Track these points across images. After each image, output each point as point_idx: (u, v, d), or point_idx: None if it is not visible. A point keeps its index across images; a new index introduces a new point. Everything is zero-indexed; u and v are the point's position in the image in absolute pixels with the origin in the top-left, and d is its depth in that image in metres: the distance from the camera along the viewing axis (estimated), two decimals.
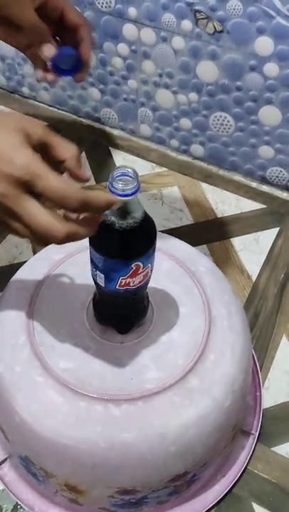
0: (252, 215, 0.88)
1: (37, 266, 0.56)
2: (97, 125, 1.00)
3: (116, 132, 0.99)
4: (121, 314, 0.48)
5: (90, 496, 0.51)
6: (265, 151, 0.86)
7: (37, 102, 1.04)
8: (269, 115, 0.81)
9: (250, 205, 0.89)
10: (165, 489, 0.51)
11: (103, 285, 0.43)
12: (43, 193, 0.35)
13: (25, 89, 1.04)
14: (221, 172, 0.93)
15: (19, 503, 0.57)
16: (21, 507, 0.57)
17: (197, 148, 0.92)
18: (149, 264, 0.43)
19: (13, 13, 0.50)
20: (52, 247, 0.59)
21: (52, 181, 0.35)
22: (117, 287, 0.43)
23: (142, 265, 0.41)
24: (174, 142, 0.94)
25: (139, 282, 0.43)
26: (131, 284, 0.43)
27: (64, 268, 0.55)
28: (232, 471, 0.60)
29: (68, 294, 0.53)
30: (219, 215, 0.88)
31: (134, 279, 0.42)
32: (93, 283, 0.48)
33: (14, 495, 0.57)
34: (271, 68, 0.75)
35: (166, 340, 0.50)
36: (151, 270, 0.44)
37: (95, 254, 0.42)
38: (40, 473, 0.51)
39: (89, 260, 0.44)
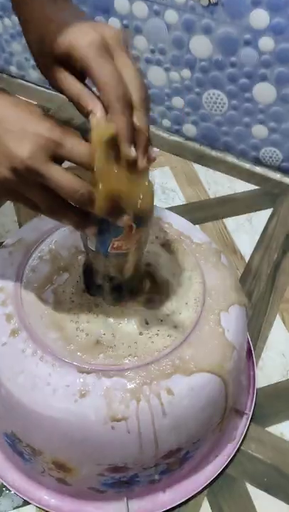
0: (245, 196, 0.87)
1: (26, 235, 0.54)
2: None
3: None
4: (112, 283, 0.46)
5: (79, 475, 0.49)
6: (259, 130, 0.84)
7: (25, 82, 1.02)
8: (264, 92, 0.79)
9: (243, 186, 0.88)
10: (157, 467, 0.49)
11: (94, 248, 0.41)
12: (71, 153, 0.36)
13: (13, 68, 1.01)
14: (214, 153, 0.91)
15: (5, 484, 0.55)
16: (7, 489, 0.55)
17: (189, 128, 0.90)
18: (144, 228, 0.41)
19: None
20: (38, 219, 0.58)
21: (77, 141, 0.37)
22: (109, 250, 0.40)
23: (135, 226, 0.39)
24: (166, 122, 0.92)
25: (133, 245, 0.41)
26: (123, 247, 0.41)
27: (54, 238, 0.53)
28: (225, 451, 0.58)
29: (58, 263, 0.51)
30: (212, 196, 0.86)
31: (128, 241, 0.40)
32: (84, 252, 0.46)
33: None
34: (266, 42, 0.74)
35: (160, 311, 0.48)
36: (147, 238, 0.42)
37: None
38: (26, 450, 0.49)
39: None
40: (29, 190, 0.37)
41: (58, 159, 0.37)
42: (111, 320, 0.47)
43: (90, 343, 0.46)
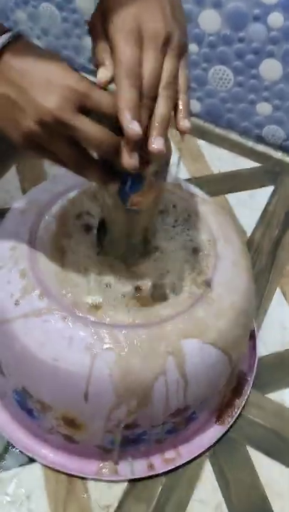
0: (247, 173, 0.88)
1: (38, 197, 0.54)
2: (92, 78, 0.97)
3: (111, 86, 0.96)
4: (128, 241, 0.46)
5: (88, 431, 0.50)
6: (263, 108, 0.85)
7: None
8: (270, 69, 0.80)
9: (245, 163, 0.89)
10: (165, 425, 0.50)
11: (113, 205, 0.41)
12: (98, 103, 0.37)
13: None
14: (217, 130, 0.92)
15: (11, 441, 0.55)
16: (13, 447, 0.55)
17: (195, 104, 0.91)
18: (162, 182, 0.42)
19: None
20: (49, 182, 0.58)
21: (104, 92, 0.37)
22: (128, 206, 0.41)
23: (154, 180, 0.40)
24: None
25: (152, 201, 0.41)
26: (142, 203, 0.41)
27: (66, 198, 0.53)
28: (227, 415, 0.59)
29: (72, 223, 0.51)
30: (216, 172, 0.87)
31: (147, 196, 0.41)
32: (98, 211, 0.47)
33: (5, 434, 0.55)
34: (276, 18, 0.74)
35: (173, 271, 0.49)
36: (162, 194, 0.43)
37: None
38: (36, 407, 0.50)
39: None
40: (55, 143, 0.37)
41: (85, 111, 0.37)
42: (124, 278, 0.48)
43: (104, 300, 0.46)
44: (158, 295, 0.47)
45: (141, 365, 0.44)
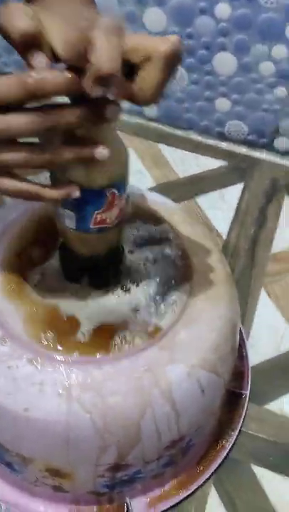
0: (214, 173, 0.84)
1: None
2: None
3: None
4: (95, 264, 0.42)
5: (77, 479, 0.45)
6: (222, 104, 0.82)
7: None
8: (224, 63, 0.76)
9: (210, 163, 0.85)
10: (160, 460, 0.46)
11: (74, 226, 0.37)
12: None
13: None
14: (177, 132, 0.88)
15: None
16: None
17: (151, 108, 0.87)
18: (124, 194, 0.37)
19: None
20: (2, 210, 0.53)
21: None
22: (91, 226, 0.37)
23: (117, 193, 0.36)
24: (125, 103, 0.88)
25: (116, 217, 0.37)
26: (107, 221, 0.37)
27: (20, 226, 0.49)
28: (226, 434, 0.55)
29: (29, 252, 0.47)
30: (181, 176, 0.83)
31: (110, 213, 0.36)
32: (56, 236, 0.42)
33: None
34: (223, 9, 0.71)
35: (147, 292, 0.44)
36: (127, 204, 0.39)
37: None
38: (16, 460, 0.45)
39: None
40: None
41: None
42: (94, 307, 0.43)
43: (73, 334, 0.42)
44: (132, 323, 0.43)
45: (123, 402, 0.40)
